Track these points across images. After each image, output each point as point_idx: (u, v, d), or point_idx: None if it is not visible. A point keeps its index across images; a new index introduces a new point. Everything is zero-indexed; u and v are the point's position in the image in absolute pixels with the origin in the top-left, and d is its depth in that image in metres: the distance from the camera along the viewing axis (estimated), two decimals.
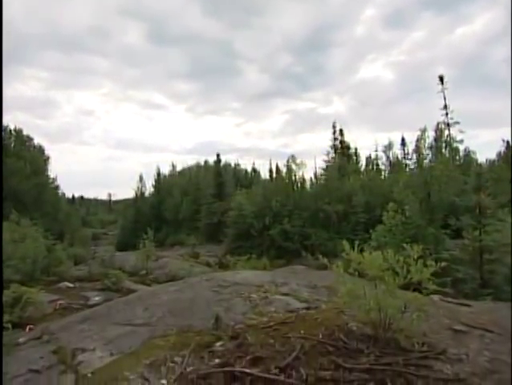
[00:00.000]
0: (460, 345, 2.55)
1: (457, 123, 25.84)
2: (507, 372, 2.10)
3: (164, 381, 2.10)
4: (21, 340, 3.30)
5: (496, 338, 2.69)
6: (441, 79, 26.10)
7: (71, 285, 8.46)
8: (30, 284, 6.58)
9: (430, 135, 26.17)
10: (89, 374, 2.33)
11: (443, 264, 2.63)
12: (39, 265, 10.88)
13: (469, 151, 26.80)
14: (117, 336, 3.04)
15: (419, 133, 21.50)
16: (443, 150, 27.32)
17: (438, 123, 27.43)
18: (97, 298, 5.84)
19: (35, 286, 6.15)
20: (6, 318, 4.27)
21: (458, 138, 26.28)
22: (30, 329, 4.01)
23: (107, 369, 2.32)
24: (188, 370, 2.15)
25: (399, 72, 78.61)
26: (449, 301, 4.00)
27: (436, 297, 4.02)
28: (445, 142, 27.38)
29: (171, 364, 2.33)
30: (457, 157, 26.67)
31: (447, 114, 26.59)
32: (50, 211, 26.38)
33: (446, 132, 27.38)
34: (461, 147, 26.96)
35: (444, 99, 26.48)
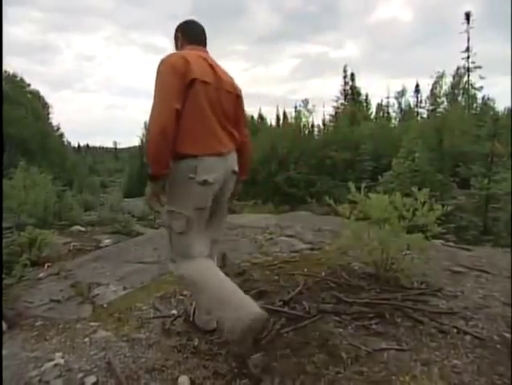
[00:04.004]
0: (456, 284, 2.64)
1: (479, 67, 24.07)
2: (498, 307, 2.19)
3: (174, 311, 2.24)
4: (41, 275, 3.51)
5: (491, 278, 2.77)
6: (468, 16, 23.66)
7: (82, 229, 8.79)
8: (44, 228, 6.83)
9: (447, 81, 24.70)
10: (105, 305, 2.51)
11: (449, 208, 2.62)
12: (51, 210, 11.25)
13: (488, 98, 25.33)
14: (129, 273, 3.21)
15: (435, 79, 20.23)
16: (459, 97, 25.93)
17: (458, 68, 25.60)
18: (108, 241, 6.08)
19: (49, 230, 6.39)
20: (24, 256, 4.49)
21: (477, 85, 24.66)
22: (48, 266, 4.23)
23: (121, 301, 2.49)
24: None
25: (419, 12, 72.01)
26: (449, 246, 4.08)
27: (437, 242, 4.09)
28: (463, 89, 25.83)
29: (180, 297, 2.48)
30: (474, 105, 25.35)
31: (468, 57, 24.67)
32: (56, 159, 26.55)
33: (465, 79, 25.68)
34: (479, 95, 25.48)
35: (468, 40, 24.37)
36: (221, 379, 1.56)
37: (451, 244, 4.33)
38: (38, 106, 27.68)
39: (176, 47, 1.87)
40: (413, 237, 2.52)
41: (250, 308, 1.52)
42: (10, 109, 23.88)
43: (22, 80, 27.59)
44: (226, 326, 1.53)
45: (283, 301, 2.26)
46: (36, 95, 28.64)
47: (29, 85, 27.68)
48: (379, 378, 1.55)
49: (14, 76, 27.21)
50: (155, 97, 1.54)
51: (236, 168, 1.78)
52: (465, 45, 23.87)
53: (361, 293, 2.40)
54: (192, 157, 1.57)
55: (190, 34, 1.82)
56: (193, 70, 1.56)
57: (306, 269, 2.86)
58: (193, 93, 1.56)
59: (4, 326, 2.17)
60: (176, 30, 1.86)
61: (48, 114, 29.10)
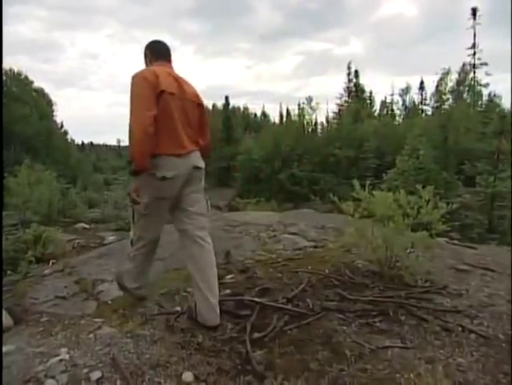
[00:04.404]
0: (461, 282, 2.62)
1: (485, 64, 23.70)
2: (503, 305, 2.18)
3: (178, 308, 2.25)
4: (46, 272, 3.53)
5: (497, 276, 2.75)
6: (474, 11, 23.29)
7: (86, 226, 8.83)
8: (48, 225, 6.88)
9: (453, 78, 24.44)
10: (109, 302, 2.52)
11: (454, 206, 2.60)
12: (55, 207, 11.33)
13: (494, 95, 24.97)
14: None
15: (440, 76, 20.02)
16: (465, 94, 25.63)
17: (463, 65, 25.26)
18: (112, 238, 6.10)
19: (53, 227, 6.43)
20: (29, 253, 4.53)
21: (484, 81, 24.32)
22: (52, 263, 4.26)
23: (124, 297, 2.49)
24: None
25: (424, 8, 71.11)
26: (454, 244, 4.05)
27: (442, 240, 4.07)
28: (469, 86, 25.52)
29: (184, 294, 2.49)
30: (480, 102, 25.03)
31: (474, 54, 24.32)
32: (61, 157, 26.71)
33: (471, 76, 25.36)
34: (485, 92, 25.14)
35: (474, 36, 24.00)
36: (225, 376, 1.57)
37: (456, 242, 4.31)
38: (42, 104, 27.82)
39: (146, 64, 2.13)
40: (418, 234, 2.51)
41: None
42: (16, 107, 24.04)
43: (26, 78, 27.74)
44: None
45: (287, 298, 2.26)
46: (41, 92, 28.79)
47: (32, 82, 27.83)
48: (383, 375, 1.55)
49: (19, 74, 27.37)
50: (133, 105, 1.81)
51: (198, 164, 2.03)
52: (471, 41, 23.56)
53: (365, 291, 2.40)
54: (155, 156, 1.82)
55: (157, 52, 2.11)
56: (161, 82, 1.83)
57: (309, 267, 2.86)
58: (161, 102, 1.82)
59: (10, 321, 2.20)
60: (145, 49, 2.14)
61: (52, 112, 29.26)
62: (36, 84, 28.46)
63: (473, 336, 1.86)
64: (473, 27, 23.44)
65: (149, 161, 1.80)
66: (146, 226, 2.09)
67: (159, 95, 1.81)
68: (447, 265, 2.98)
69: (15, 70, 27.23)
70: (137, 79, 1.84)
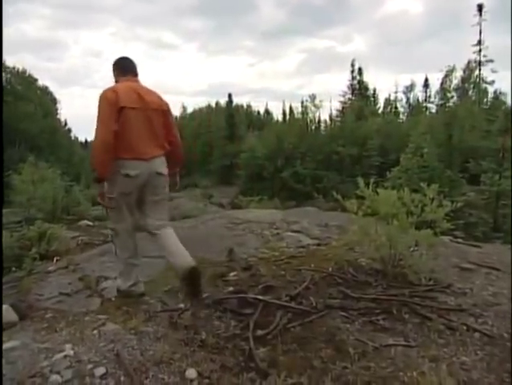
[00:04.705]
0: (465, 281, 2.61)
1: (491, 61, 23.36)
2: (508, 304, 2.17)
3: (181, 305, 2.26)
4: (50, 269, 3.55)
5: (502, 275, 2.73)
6: (480, 8, 22.92)
7: (90, 223, 8.88)
8: (52, 222, 6.92)
9: (458, 75, 24.19)
10: (113, 299, 2.53)
11: (458, 204, 2.59)
12: (59, 204, 11.39)
13: (500, 92, 24.63)
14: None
15: (445, 73, 19.80)
16: (470, 92, 25.33)
17: (469, 62, 24.94)
18: None
19: (57, 224, 6.47)
20: (34, 250, 4.56)
21: (489, 79, 23.98)
22: (57, 260, 4.28)
23: (128, 294, 2.51)
24: (203, 296, 2.29)
25: (429, 4, 70.22)
26: (458, 242, 4.03)
27: (446, 239, 4.05)
28: (474, 83, 25.22)
29: None
30: (485, 100, 24.73)
31: (480, 51, 23.97)
32: (64, 154, 26.80)
33: (476, 73, 25.05)
34: (491, 89, 24.84)
35: (480, 33, 23.64)
36: (228, 373, 1.57)
37: (460, 240, 4.28)
38: (46, 102, 27.94)
39: (115, 78, 2.41)
40: (422, 233, 2.49)
41: (138, 288, 2.48)
42: (20, 105, 24.16)
43: (30, 76, 27.85)
44: (120, 290, 2.47)
45: (290, 296, 2.26)
46: (45, 91, 28.91)
47: (36, 80, 27.93)
48: (387, 373, 1.55)
49: (24, 72, 27.48)
50: (97, 121, 2.14)
51: (159, 170, 2.31)
52: (477, 38, 23.23)
53: (368, 289, 2.39)
54: (122, 159, 2.17)
55: (123, 68, 2.39)
56: (121, 100, 2.13)
57: (312, 265, 2.85)
58: (122, 117, 2.14)
59: (16, 317, 2.22)
60: (113, 66, 2.42)
61: (56, 110, 29.40)
62: (40, 82, 28.59)
63: (477, 335, 1.85)
64: (479, 24, 23.11)
65: (109, 170, 2.15)
66: (117, 219, 2.37)
67: (120, 111, 2.12)
68: (451, 263, 2.97)
69: (20, 69, 27.35)
70: (100, 100, 2.16)
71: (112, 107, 2.11)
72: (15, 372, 1.53)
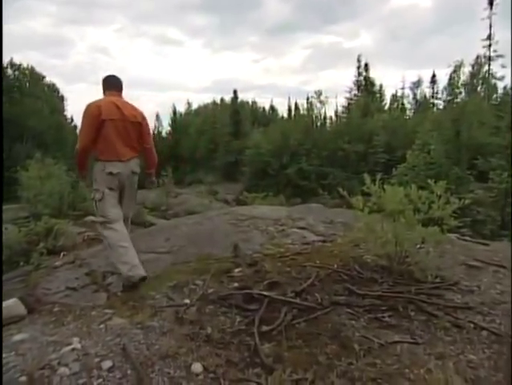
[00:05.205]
0: (472, 279, 2.58)
1: (501, 56, 22.81)
2: None
3: (187, 300, 2.27)
4: (57, 263, 3.59)
5: (509, 273, 2.70)
6: (491, 1, 22.31)
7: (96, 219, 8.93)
8: (59, 218, 7.00)
9: (466, 71, 23.76)
10: (119, 293, 2.55)
11: (466, 202, 2.55)
12: (66, 200, 11.51)
13: (510, 88, 24.10)
14: (141, 262, 3.25)
15: (453, 69, 19.44)
16: (478, 88, 24.87)
17: (478, 57, 24.41)
18: None
19: (64, 220, 6.54)
20: (41, 245, 4.61)
21: (499, 74, 23.47)
22: (63, 255, 4.33)
23: (134, 289, 2.53)
24: (209, 291, 2.30)
25: None
26: (465, 240, 3.99)
27: (453, 236, 4.01)
28: (483, 79, 24.72)
29: (193, 286, 2.50)
30: (494, 96, 24.26)
31: (490, 45, 23.42)
32: (71, 151, 26.94)
33: (485, 68, 24.56)
34: (501, 85, 24.35)
35: (490, 27, 23.04)
36: (234, 368, 1.58)
37: (467, 238, 4.24)
38: (53, 98, 28.13)
39: (103, 90, 2.89)
40: (429, 230, 2.47)
41: (137, 271, 2.58)
42: (28, 102, 24.36)
43: (38, 73, 28.02)
44: (122, 278, 2.60)
45: (295, 292, 2.25)
46: (52, 87, 29.10)
47: (44, 77, 28.12)
48: (393, 370, 1.54)
49: (32, 70, 27.67)
50: (80, 130, 2.70)
51: (134, 170, 2.82)
52: (487, 32, 22.69)
53: (374, 286, 2.38)
54: (103, 161, 2.68)
55: (109, 84, 2.89)
56: (103, 113, 2.61)
57: (318, 261, 2.85)
58: (104, 128, 2.63)
59: (24, 310, 2.25)
60: (102, 81, 2.90)
61: (63, 106, 29.59)
62: (48, 79, 28.77)
63: (484, 333, 1.83)
64: (490, 17, 22.55)
65: (87, 169, 2.87)
66: (104, 209, 2.71)
67: (101, 123, 2.60)
68: (458, 261, 2.94)
69: (27, 66, 27.54)
70: (85, 111, 2.64)
71: (94, 120, 2.59)
72: (25, 364, 1.55)
